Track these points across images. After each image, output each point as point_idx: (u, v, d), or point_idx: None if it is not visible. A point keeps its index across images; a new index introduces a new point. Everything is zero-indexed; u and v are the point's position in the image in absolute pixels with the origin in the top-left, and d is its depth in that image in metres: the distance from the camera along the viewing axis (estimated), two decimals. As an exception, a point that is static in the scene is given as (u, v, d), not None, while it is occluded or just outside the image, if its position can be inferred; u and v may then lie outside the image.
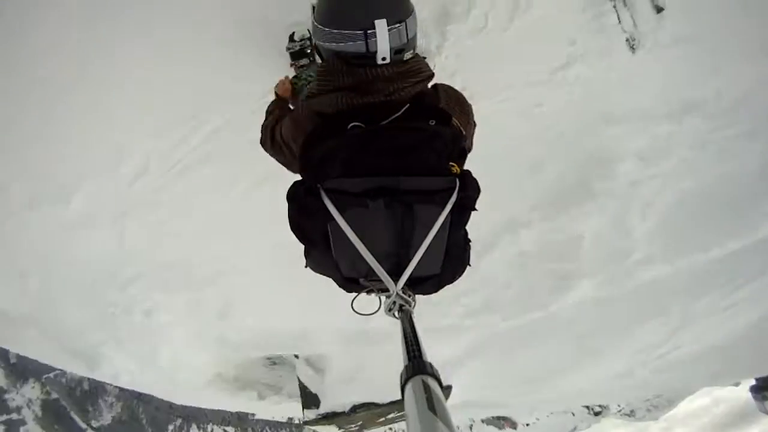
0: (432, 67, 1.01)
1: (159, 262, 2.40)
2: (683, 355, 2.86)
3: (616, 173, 2.21)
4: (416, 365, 0.61)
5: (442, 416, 0.52)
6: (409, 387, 0.58)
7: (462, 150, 0.93)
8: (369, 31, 0.86)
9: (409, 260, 0.91)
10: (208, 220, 2.30)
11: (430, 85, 1.03)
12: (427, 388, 0.57)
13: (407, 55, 0.94)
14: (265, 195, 2.17)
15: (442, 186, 0.89)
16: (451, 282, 1.08)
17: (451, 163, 0.90)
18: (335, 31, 0.89)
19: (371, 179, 0.88)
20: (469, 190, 0.92)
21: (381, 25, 0.85)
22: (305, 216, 0.94)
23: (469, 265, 1.10)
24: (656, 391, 5.14)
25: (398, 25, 0.87)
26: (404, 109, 0.90)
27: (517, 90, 2.04)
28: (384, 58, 0.89)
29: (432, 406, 0.53)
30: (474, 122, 1.12)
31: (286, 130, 1.08)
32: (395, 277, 0.89)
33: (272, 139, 1.15)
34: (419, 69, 0.95)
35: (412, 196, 0.88)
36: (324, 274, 1.08)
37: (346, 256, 0.95)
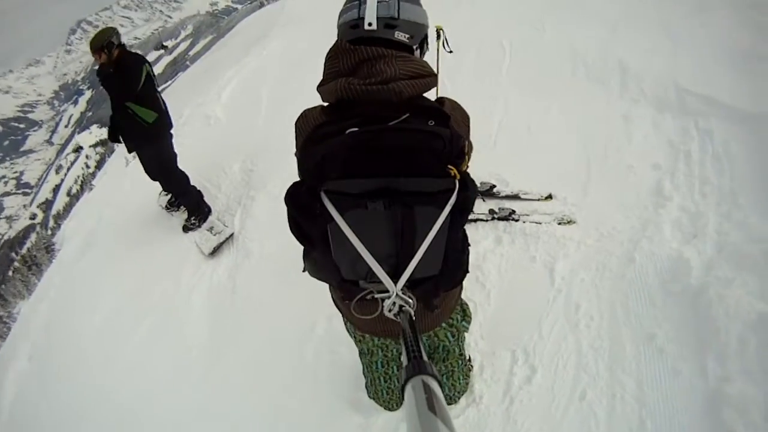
0: None
1: None
2: None
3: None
4: (416, 365, 0.62)
5: (442, 416, 0.52)
6: (409, 387, 0.59)
7: (461, 150, 0.93)
8: None
9: (409, 261, 0.92)
10: None
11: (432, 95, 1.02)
12: (427, 388, 0.58)
13: (399, 35, 0.96)
14: None
15: (442, 187, 0.91)
16: (451, 287, 1.12)
17: (449, 166, 0.90)
18: (344, 6, 1.01)
19: (371, 180, 0.89)
20: (468, 191, 0.94)
21: None
22: (305, 217, 0.96)
23: (468, 272, 1.12)
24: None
25: (389, 0, 0.96)
26: (404, 117, 0.90)
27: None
28: (370, 24, 0.94)
29: (432, 406, 0.54)
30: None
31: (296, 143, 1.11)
32: (395, 279, 0.91)
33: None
34: (420, 62, 0.97)
35: (412, 198, 0.90)
36: (322, 279, 1.11)
37: (345, 258, 0.96)
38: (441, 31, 2.25)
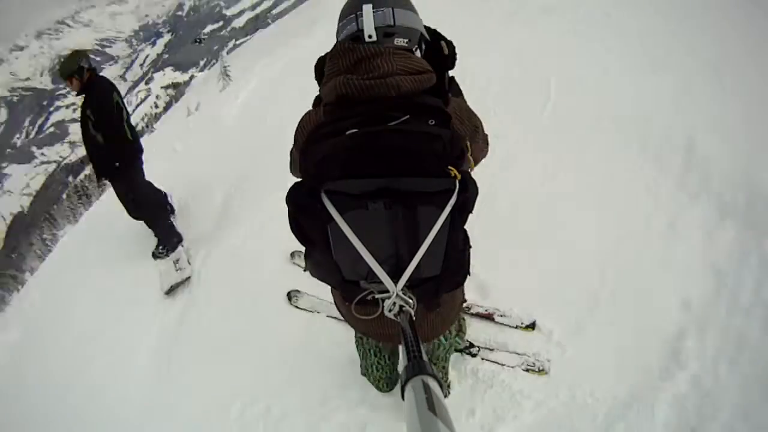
0: None
1: None
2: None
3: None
4: (416, 365, 0.65)
5: (442, 416, 0.54)
6: (409, 387, 0.62)
7: (461, 151, 0.97)
8: (358, 13, 1.03)
9: (409, 261, 0.96)
10: None
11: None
12: (427, 388, 0.60)
13: (398, 41, 1.04)
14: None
15: (442, 187, 0.95)
16: (453, 288, 1.17)
17: (449, 167, 0.93)
18: (342, 22, 1.08)
19: (371, 180, 0.94)
20: (469, 191, 0.97)
21: (367, 8, 1.03)
22: (305, 217, 1.00)
23: (469, 274, 1.16)
24: None
25: (383, 9, 1.03)
26: (404, 118, 0.94)
27: None
28: (370, 36, 1.01)
29: (432, 406, 0.56)
30: (484, 135, 1.22)
31: (294, 157, 1.19)
32: (395, 279, 0.95)
33: (291, 159, 1.27)
34: (417, 59, 1.01)
35: (412, 198, 0.94)
36: (323, 279, 1.15)
37: (346, 258, 1.00)
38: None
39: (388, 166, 0.93)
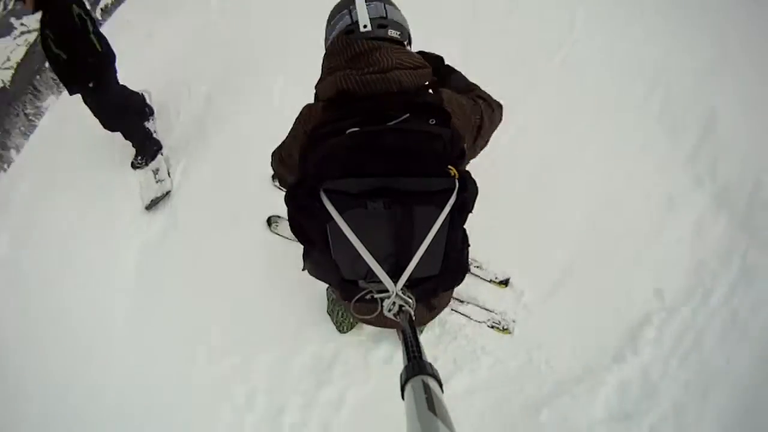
0: None
1: None
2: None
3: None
4: (416, 366, 0.66)
5: (442, 416, 0.56)
6: (409, 387, 0.63)
7: (461, 151, 0.98)
8: (351, 7, 1.06)
9: (408, 261, 0.97)
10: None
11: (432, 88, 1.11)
12: (427, 388, 0.61)
13: (392, 32, 1.06)
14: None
15: (442, 187, 0.96)
16: (451, 287, 1.20)
17: (449, 166, 0.95)
18: (332, 21, 1.10)
19: (371, 180, 0.95)
20: (468, 190, 0.98)
21: (360, 1, 1.06)
22: (305, 216, 1.01)
23: (467, 271, 1.23)
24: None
25: (375, 2, 1.07)
26: (404, 117, 0.94)
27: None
28: (365, 26, 1.03)
29: (432, 406, 0.57)
30: (494, 102, 1.26)
31: (287, 145, 1.19)
32: (394, 278, 0.96)
33: (279, 159, 1.26)
34: (415, 54, 1.05)
35: (412, 197, 0.95)
36: (322, 279, 1.20)
37: (345, 257, 1.02)
38: None
39: (388, 166, 0.93)
